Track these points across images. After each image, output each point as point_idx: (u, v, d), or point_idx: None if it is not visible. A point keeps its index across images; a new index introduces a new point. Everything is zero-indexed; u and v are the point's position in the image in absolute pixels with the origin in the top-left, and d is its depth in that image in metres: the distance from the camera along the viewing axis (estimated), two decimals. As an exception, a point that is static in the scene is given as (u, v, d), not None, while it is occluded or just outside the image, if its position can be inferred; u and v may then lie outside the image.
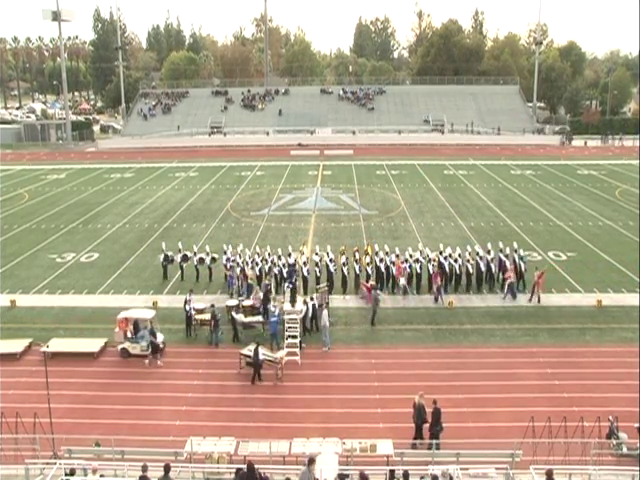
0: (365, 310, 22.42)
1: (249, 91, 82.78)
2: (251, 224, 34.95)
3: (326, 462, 12.67)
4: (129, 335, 19.39)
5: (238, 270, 23.82)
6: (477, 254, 24.92)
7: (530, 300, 22.87)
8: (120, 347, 19.22)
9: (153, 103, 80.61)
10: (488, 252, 24.56)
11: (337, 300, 23.30)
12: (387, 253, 24.51)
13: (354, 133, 72.41)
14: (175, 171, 53.71)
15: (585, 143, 71.28)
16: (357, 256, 24.58)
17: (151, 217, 36.85)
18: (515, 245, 25.23)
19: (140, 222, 35.71)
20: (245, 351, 18.07)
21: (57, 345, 19.05)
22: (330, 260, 24.14)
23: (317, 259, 24.53)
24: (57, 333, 20.71)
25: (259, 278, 23.75)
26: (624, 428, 14.62)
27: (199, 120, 75.60)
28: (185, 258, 25.34)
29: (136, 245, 30.87)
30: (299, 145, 68.56)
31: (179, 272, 25.62)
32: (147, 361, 18.66)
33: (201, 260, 25.16)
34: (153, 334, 18.95)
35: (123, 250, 30.06)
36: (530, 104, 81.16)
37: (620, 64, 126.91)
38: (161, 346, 19.10)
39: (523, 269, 24.23)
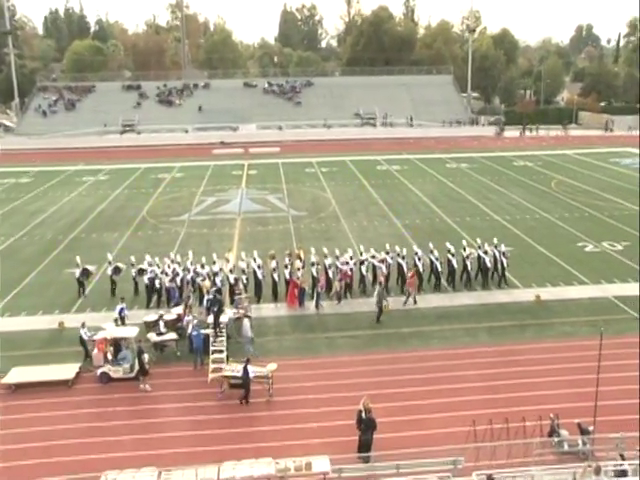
0: (296, 318, 22.52)
1: (165, 85, 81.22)
2: (170, 231, 34.28)
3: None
4: (109, 357, 18.63)
5: (178, 280, 23.36)
6: (448, 251, 25.48)
7: (405, 303, 23.30)
8: (99, 371, 18.40)
9: (54, 98, 77.48)
10: (464, 249, 25.40)
11: (267, 309, 23.28)
12: (326, 256, 24.84)
13: (281, 129, 72.59)
14: (82, 175, 51.84)
15: (521, 134, 74.86)
16: (289, 260, 24.64)
17: (55, 227, 35.37)
18: (495, 240, 26.14)
19: (42, 233, 34.20)
20: (228, 372, 17.61)
21: (20, 375, 18.01)
22: (258, 266, 24.04)
23: (244, 265, 24.35)
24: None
25: (180, 289, 23.31)
26: (565, 425, 15.40)
27: (109, 118, 73.31)
28: (141, 272, 24.33)
29: (37, 259, 29.54)
30: (222, 143, 67.99)
31: (102, 287, 24.82)
32: (143, 385, 17.96)
33: (141, 271, 24.33)
34: (140, 353, 18.17)
35: (21, 266, 28.66)
36: (464, 94, 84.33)
37: (552, 52, 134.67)
38: (147, 367, 18.43)
39: (505, 265, 25.16)
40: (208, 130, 71.61)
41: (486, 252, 25.25)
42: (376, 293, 22.56)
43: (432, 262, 24.87)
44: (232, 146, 66.11)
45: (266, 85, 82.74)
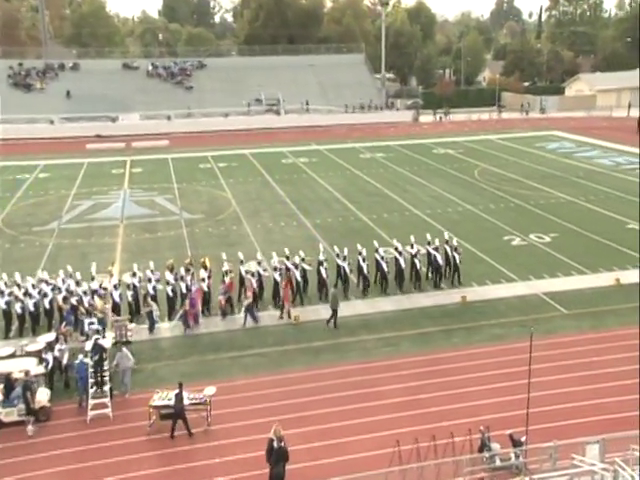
0: (192, 339, 22.31)
1: (21, 65, 77.28)
2: (34, 243, 32.83)
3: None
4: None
5: (74, 300, 22.48)
6: (395, 249, 25.99)
7: (281, 317, 23.60)
8: None
9: None
10: (411, 246, 25.98)
11: (160, 330, 22.95)
12: (242, 262, 24.98)
13: (169, 119, 71.41)
14: None
15: (441, 118, 77.76)
16: (188, 271, 24.36)
17: None
18: (446, 235, 26.73)
19: None
20: (157, 401, 17.20)
21: None
22: (149, 280, 23.68)
23: (134, 281, 23.85)
24: None
25: (75, 311, 22.37)
26: (497, 437, 16.12)
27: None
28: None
29: None
30: (97, 137, 65.97)
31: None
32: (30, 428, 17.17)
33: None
34: (27, 390, 17.42)
35: None
36: (378, 75, 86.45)
37: (472, 27, 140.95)
38: (47, 405, 17.63)
39: (458, 261, 25.95)
40: (80, 121, 69.03)
41: (437, 248, 26.09)
42: (331, 295, 23.11)
43: (378, 262, 25.57)
44: (111, 140, 64.29)
45: (150, 67, 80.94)
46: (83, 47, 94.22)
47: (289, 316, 23.48)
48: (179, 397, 17.00)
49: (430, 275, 26.42)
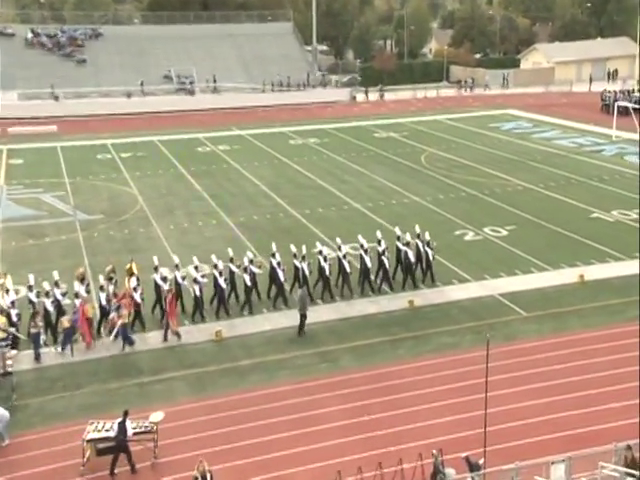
0: (91, 364, 21.90)
1: None
2: None
3: None
4: None
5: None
6: (361, 246, 26.33)
7: (165, 338, 23.20)
8: None
9: None
10: (379, 242, 26.31)
11: (49, 356, 22.38)
12: (177, 266, 24.98)
13: (57, 99, 70.34)
14: None
15: (382, 96, 78.83)
16: (110, 281, 24.31)
17: None
18: (417, 229, 27.04)
19: None
20: (93, 434, 16.98)
21: None
22: (46, 294, 23.41)
23: (31, 295, 23.49)
24: None
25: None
26: (451, 461, 16.47)
27: None
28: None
29: None
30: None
31: None
32: None
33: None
34: None
35: None
36: (309, 47, 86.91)
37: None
38: None
39: (431, 258, 26.48)
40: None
41: (407, 244, 26.56)
42: (298, 297, 23.30)
43: (340, 261, 25.96)
44: (-20, 125, 62.49)
45: (29, 35, 78.94)
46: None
47: (178, 336, 23.22)
48: (123, 427, 16.76)
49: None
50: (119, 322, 22.81)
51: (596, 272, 27.79)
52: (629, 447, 14.78)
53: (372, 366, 21.45)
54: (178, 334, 23.32)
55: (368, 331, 23.74)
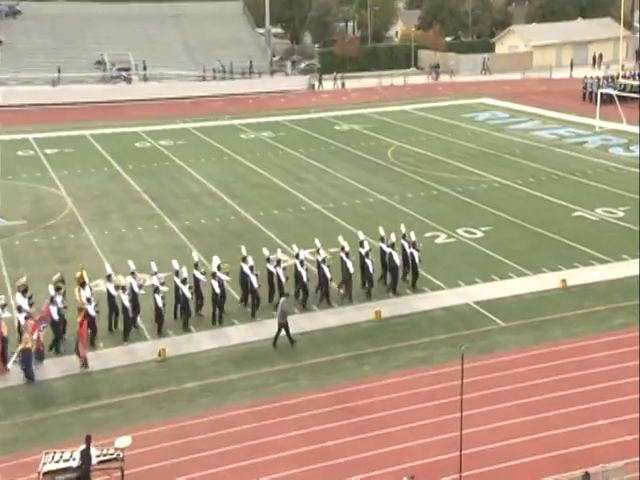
0: (13, 391, 21.51)
1: None
2: None
3: None
4: None
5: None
6: (342, 249, 26.58)
7: (82, 364, 22.53)
8: None
9: None
10: (361, 244, 26.74)
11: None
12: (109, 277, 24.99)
13: (-31, 88, 68.94)
14: None
15: (343, 84, 79.00)
16: (58, 292, 24.16)
17: None
18: (403, 229, 27.20)
19: None
20: (49, 465, 16.53)
21: None
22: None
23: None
24: None
25: None
26: (424, 489, 16.49)
27: None
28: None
29: None
30: None
31: None
32: None
33: None
34: None
35: None
36: (261, 30, 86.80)
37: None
38: None
39: (417, 261, 26.77)
40: None
41: (392, 245, 26.71)
42: (280, 306, 23.62)
43: (320, 267, 26.03)
44: None
45: None
46: None
47: (86, 365, 22.68)
48: (86, 455, 16.49)
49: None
50: (19, 347, 22.19)
51: (580, 276, 28.08)
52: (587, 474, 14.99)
53: (334, 385, 21.34)
54: (86, 362, 22.66)
55: (330, 346, 23.65)
